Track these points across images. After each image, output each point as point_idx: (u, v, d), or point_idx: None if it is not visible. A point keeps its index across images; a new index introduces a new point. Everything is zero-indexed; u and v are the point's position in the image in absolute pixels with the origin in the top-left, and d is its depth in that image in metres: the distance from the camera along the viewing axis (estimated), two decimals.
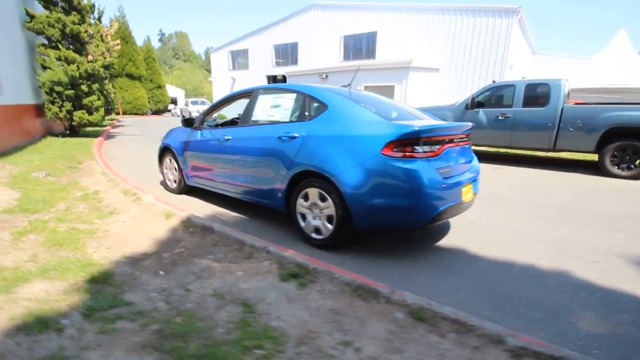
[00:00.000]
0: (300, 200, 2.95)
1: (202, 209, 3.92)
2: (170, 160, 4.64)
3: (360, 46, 19.13)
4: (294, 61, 22.42)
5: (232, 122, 4.73)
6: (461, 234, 3.23)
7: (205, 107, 23.32)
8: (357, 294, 2.05)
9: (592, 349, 1.69)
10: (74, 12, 9.79)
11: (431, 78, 15.89)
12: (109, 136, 11.86)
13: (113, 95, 13.10)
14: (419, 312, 1.82)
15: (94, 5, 10.46)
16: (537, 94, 6.76)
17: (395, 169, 2.43)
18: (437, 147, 2.58)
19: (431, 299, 1.96)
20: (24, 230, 2.97)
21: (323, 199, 2.79)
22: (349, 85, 3.60)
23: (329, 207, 2.74)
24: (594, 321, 1.92)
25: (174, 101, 42.04)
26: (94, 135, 10.86)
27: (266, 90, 3.56)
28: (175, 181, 4.65)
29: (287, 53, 23.00)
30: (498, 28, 14.49)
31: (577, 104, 6.73)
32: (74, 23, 9.58)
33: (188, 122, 4.16)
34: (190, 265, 2.51)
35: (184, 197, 4.50)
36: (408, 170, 2.41)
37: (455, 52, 15.77)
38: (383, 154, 2.46)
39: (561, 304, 2.09)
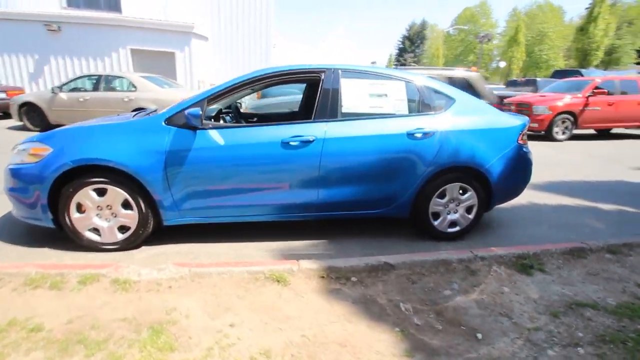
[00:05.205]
0: (436, 199, 2.79)
1: (225, 251, 2.61)
2: (101, 192, 2.40)
3: None
4: None
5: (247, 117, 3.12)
6: None
7: None
8: (577, 256, 2.58)
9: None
10: None
11: (204, 47, 14.87)
12: None
13: None
14: (612, 248, 2.67)
15: None
16: None
17: (524, 154, 2.96)
18: None
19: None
20: None
21: (463, 192, 2.83)
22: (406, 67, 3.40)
23: (471, 198, 2.84)
24: (604, 221, 3.49)
25: None
26: None
27: (349, 72, 2.69)
28: (124, 228, 2.50)
29: None
30: (259, 7, 15.54)
31: None
32: None
33: (184, 119, 2.31)
34: (463, 309, 1.93)
35: (143, 251, 2.59)
36: (529, 152, 3.02)
37: (222, 23, 15.47)
38: (518, 142, 2.89)
39: (580, 219, 3.56)
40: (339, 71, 2.68)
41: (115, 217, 2.47)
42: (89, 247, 2.49)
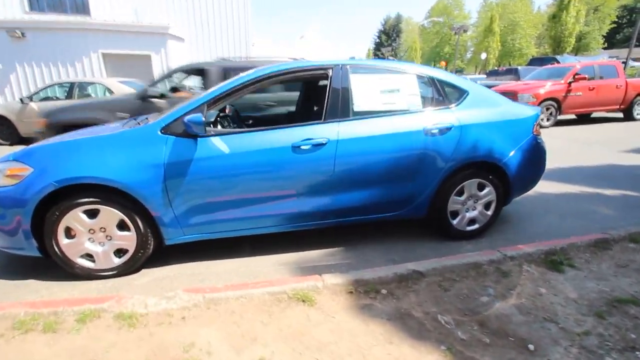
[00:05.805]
0: (454, 197, 2.66)
1: (234, 268, 2.40)
2: (93, 214, 2.13)
3: None
4: None
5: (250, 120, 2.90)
6: None
7: None
8: (602, 248, 2.51)
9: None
10: None
11: (181, 49, 14.31)
12: None
13: None
14: (634, 237, 2.62)
15: None
16: None
17: (539, 144, 2.86)
18: None
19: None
20: None
21: (481, 188, 2.71)
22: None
23: (490, 193, 2.73)
24: (611, 206, 3.46)
25: None
26: None
27: (358, 68, 2.51)
28: (121, 252, 2.24)
29: None
30: (237, 6, 15.07)
31: None
32: None
33: (183, 127, 2.08)
34: (506, 316, 1.80)
35: (143, 276, 2.34)
36: (543, 142, 2.92)
37: (198, 23, 14.90)
38: (533, 134, 2.79)
39: (587, 206, 3.52)
40: (348, 67, 2.49)
41: (110, 240, 2.21)
42: (82, 275, 2.22)
